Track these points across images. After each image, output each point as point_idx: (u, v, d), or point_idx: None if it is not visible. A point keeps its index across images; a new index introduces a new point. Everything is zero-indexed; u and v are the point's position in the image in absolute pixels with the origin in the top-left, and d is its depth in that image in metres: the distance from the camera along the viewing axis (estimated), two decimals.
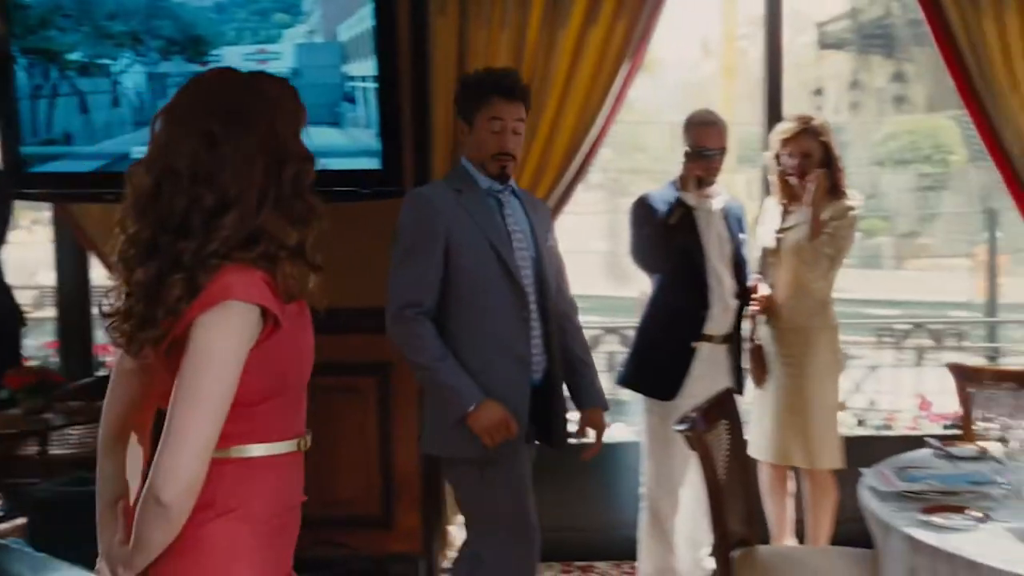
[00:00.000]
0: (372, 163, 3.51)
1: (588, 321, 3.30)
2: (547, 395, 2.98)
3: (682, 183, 3.62)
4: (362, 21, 3.46)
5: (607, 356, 5.51)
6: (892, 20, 13.65)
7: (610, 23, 3.94)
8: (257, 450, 1.73)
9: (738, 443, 3.11)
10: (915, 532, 2.37)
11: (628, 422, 4.40)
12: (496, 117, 2.88)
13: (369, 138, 3.51)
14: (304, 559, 1.91)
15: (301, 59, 3.48)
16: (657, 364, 3.66)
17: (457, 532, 4.12)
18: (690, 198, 3.58)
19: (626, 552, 4.01)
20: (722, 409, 3.04)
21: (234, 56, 3.49)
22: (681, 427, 2.77)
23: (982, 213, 11.97)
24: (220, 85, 1.76)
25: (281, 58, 3.48)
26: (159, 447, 1.59)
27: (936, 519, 2.42)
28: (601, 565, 4.30)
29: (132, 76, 3.55)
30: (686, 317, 3.63)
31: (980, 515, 2.45)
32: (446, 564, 4.16)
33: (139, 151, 3.53)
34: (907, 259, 14.49)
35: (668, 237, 3.55)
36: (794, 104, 4.31)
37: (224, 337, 1.61)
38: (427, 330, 2.82)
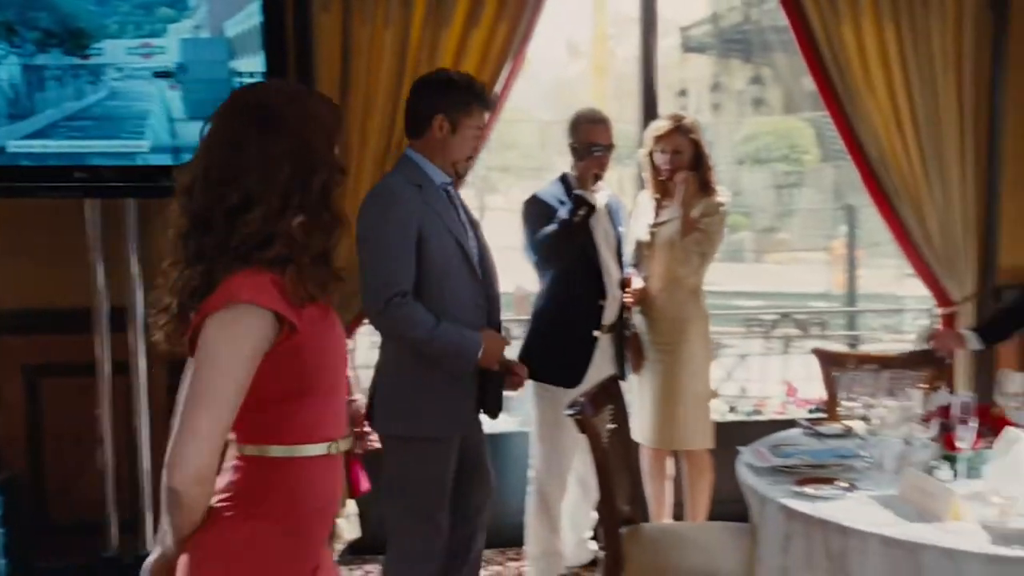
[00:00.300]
0: None
1: None
2: (489, 370, 3.11)
3: (581, 182, 3.68)
4: (249, 17, 3.44)
5: None
6: (750, 26, 14.13)
7: (492, 25, 3.99)
8: (276, 451, 1.76)
9: (622, 427, 3.26)
10: (790, 502, 2.56)
11: (513, 414, 4.49)
12: (480, 127, 3.10)
13: None
14: None
15: (187, 54, 3.42)
16: (560, 354, 3.73)
17: (345, 525, 4.14)
18: (591, 196, 3.64)
19: (512, 539, 4.12)
20: (608, 395, 3.18)
21: (117, 50, 3.41)
22: (571, 411, 2.89)
23: (837, 209, 12.51)
24: (259, 93, 1.82)
25: (167, 52, 3.41)
26: (171, 437, 1.64)
27: (808, 490, 2.61)
28: (487, 552, 4.35)
29: (6, 68, 3.43)
30: (585, 308, 3.74)
31: (847, 485, 2.65)
32: (334, 558, 4.18)
33: (15, 145, 3.47)
34: (767, 253, 14.98)
35: (573, 235, 3.63)
36: (660, 105, 4.49)
37: (230, 338, 1.65)
38: (413, 307, 2.91)
